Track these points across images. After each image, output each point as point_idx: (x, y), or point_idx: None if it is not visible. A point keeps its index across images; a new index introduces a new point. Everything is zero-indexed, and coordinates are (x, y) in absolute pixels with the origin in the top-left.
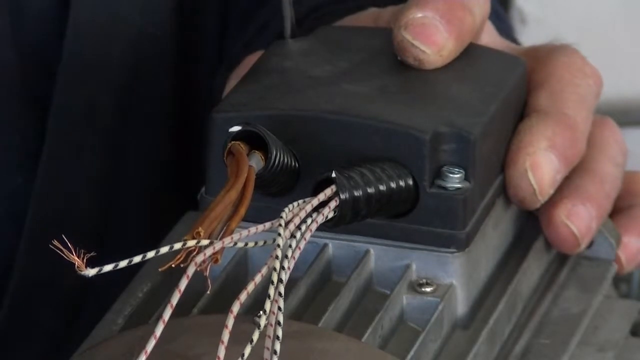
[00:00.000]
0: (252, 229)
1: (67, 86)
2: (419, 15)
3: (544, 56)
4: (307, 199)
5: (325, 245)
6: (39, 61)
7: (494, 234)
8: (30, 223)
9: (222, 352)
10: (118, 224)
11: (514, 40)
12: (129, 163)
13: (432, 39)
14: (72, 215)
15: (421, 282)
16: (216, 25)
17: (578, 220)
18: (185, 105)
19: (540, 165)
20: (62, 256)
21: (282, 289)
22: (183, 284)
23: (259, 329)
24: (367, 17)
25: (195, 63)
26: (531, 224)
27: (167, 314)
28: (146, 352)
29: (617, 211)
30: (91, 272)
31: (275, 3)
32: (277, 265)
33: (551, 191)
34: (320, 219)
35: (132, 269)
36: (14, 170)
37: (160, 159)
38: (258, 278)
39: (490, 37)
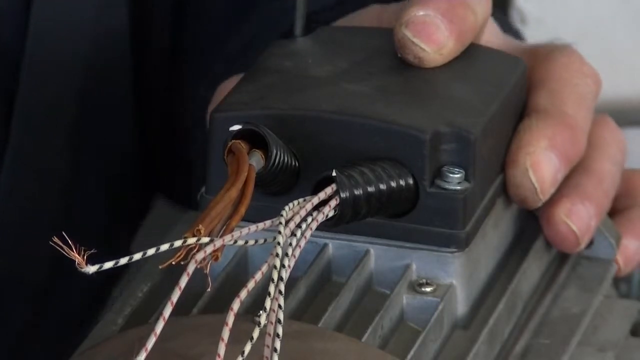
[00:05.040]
0: (253, 227)
1: (30, 84)
2: (421, 13)
3: (543, 56)
4: (307, 198)
5: (325, 245)
6: (4, 59)
7: (494, 233)
8: None
9: (222, 349)
10: (82, 220)
11: (515, 33)
12: (92, 159)
13: (432, 37)
14: (37, 211)
15: (421, 282)
16: (166, 16)
17: (577, 219)
18: (145, 99)
19: (540, 164)
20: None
21: (282, 286)
22: (183, 281)
23: (259, 326)
24: (370, 15)
25: (147, 55)
26: (531, 224)
27: (168, 311)
28: (146, 349)
29: (615, 212)
30: (91, 269)
31: (262, 17)
32: (278, 263)
33: (552, 190)
34: (321, 218)
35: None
36: None
37: (123, 154)
38: (258, 276)
39: (493, 35)
